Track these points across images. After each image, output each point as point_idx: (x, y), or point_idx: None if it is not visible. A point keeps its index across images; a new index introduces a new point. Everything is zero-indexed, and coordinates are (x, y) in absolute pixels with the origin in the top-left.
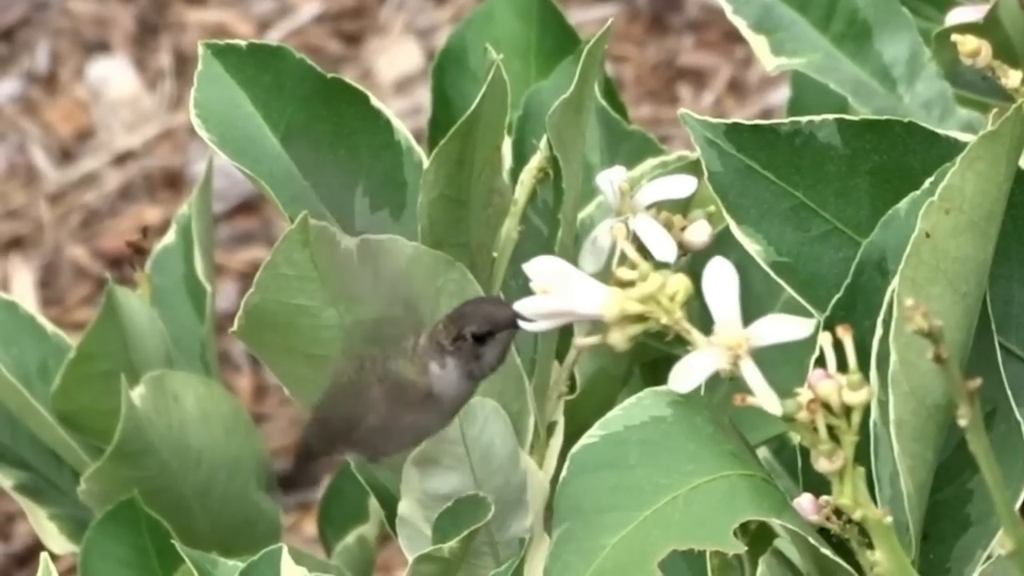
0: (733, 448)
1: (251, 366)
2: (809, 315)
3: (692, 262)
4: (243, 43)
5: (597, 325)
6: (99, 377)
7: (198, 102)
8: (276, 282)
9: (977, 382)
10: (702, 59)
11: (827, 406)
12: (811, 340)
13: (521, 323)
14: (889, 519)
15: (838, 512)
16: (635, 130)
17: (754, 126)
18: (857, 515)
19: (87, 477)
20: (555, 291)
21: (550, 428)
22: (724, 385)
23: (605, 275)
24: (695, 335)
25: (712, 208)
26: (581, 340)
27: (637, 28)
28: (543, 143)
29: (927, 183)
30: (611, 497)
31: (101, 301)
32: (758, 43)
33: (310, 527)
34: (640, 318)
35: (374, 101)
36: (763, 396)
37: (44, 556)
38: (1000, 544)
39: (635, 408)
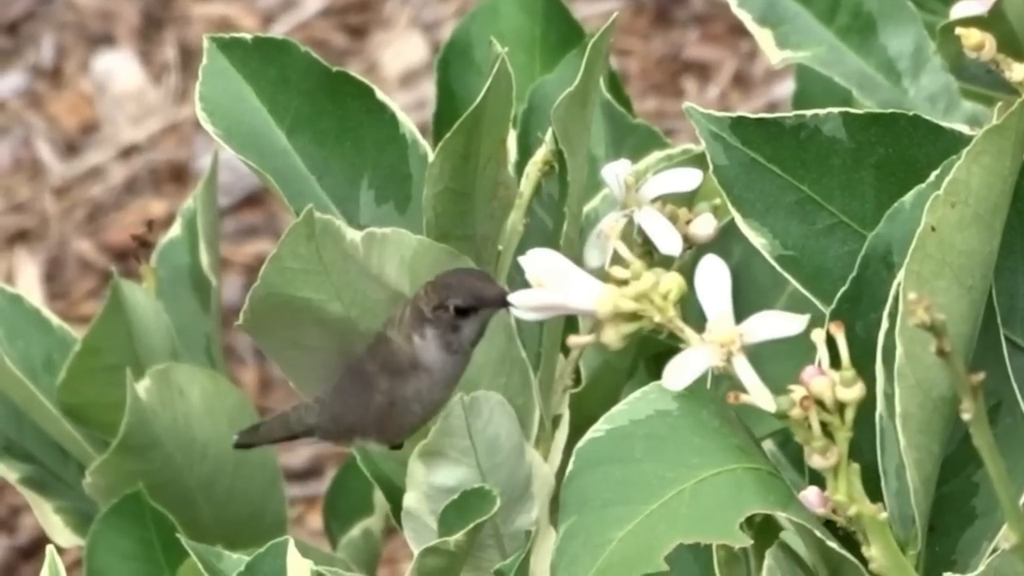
0: (739, 442)
1: (256, 359)
2: (815, 308)
3: (697, 256)
4: (248, 37)
5: (599, 320)
6: (104, 370)
7: (203, 96)
8: (281, 275)
9: (980, 376)
10: (707, 52)
11: (821, 403)
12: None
13: (512, 303)
14: (884, 515)
15: None
16: (640, 123)
17: (759, 119)
18: (852, 511)
19: (92, 470)
20: (549, 285)
21: (555, 421)
22: (729, 379)
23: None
24: (688, 333)
25: (717, 201)
26: (574, 339)
27: (642, 21)
28: (548, 136)
29: (932, 176)
30: (617, 491)
31: (106, 294)
32: (763, 36)
33: (315, 520)
34: (634, 316)
35: (379, 94)
36: (756, 393)
37: (50, 549)
38: (1004, 538)
39: (641, 402)
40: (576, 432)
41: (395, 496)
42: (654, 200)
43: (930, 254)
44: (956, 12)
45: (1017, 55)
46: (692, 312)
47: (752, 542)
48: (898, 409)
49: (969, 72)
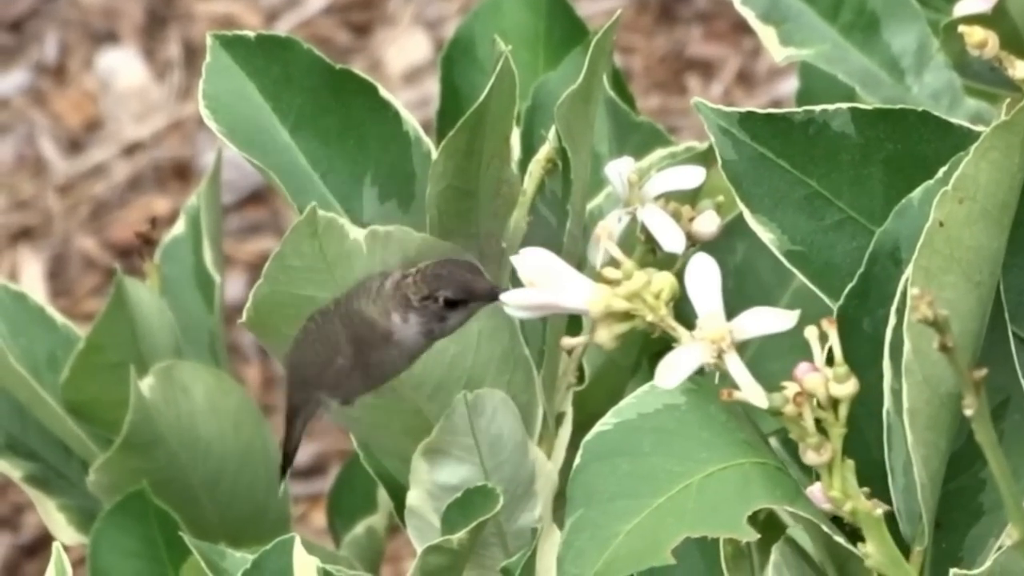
0: (746, 436)
1: (260, 357)
2: (820, 305)
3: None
4: (251, 34)
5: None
6: (108, 368)
7: (207, 93)
8: (285, 273)
9: (983, 372)
10: (711, 50)
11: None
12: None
13: (502, 296)
14: (879, 511)
15: None
16: (644, 121)
17: (768, 114)
18: (847, 507)
19: (96, 468)
20: (542, 284)
21: (559, 419)
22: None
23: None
24: (680, 331)
25: (721, 198)
26: (568, 340)
27: (646, 19)
28: (552, 134)
29: (941, 172)
30: (625, 484)
31: (110, 292)
32: (766, 34)
33: (319, 518)
34: (626, 315)
35: (383, 92)
36: (748, 390)
37: (56, 546)
38: (1008, 534)
39: (649, 396)
40: (579, 429)
41: (398, 494)
42: (657, 198)
43: (938, 250)
44: (959, 10)
45: (1020, 52)
46: (692, 312)
47: (759, 537)
48: (905, 405)
49: (972, 69)
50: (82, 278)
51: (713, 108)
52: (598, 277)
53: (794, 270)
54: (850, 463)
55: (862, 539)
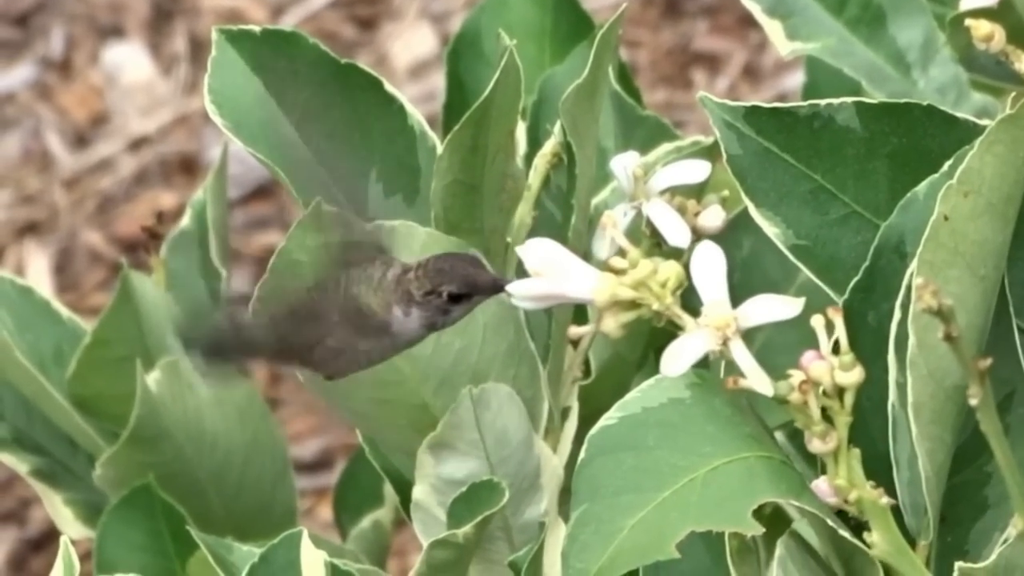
0: (751, 430)
1: None
2: (825, 300)
3: None
4: (257, 29)
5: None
6: (114, 362)
7: (212, 88)
8: (290, 268)
9: (988, 361)
10: (716, 44)
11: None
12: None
13: (504, 290)
14: (885, 500)
15: None
16: (649, 115)
17: (773, 109)
18: (852, 496)
19: (102, 462)
20: (547, 274)
21: (564, 413)
22: (739, 369)
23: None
24: (686, 319)
25: (726, 193)
26: (575, 329)
27: (651, 13)
28: (557, 128)
29: (946, 166)
30: (629, 479)
31: (116, 286)
32: (772, 28)
33: (325, 512)
34: (632, 304)
35: (388, 87)
36: (754, 377)
37: (64, 540)
38: (1013, 524)
39: (654, 390)
40: (585, 424)
41: (404, 488)
42: (663, 192)
43: (943, 243)
44: (965, 4)
45: None
46: (698, 305)
47: (764, 531)
48: (910, 399)
49: (978, 64)
50: (88, 272)
51: (718, 102)
52: (604, 269)
53: (799, 264)
54: (856, 452)
55: (866, 532)
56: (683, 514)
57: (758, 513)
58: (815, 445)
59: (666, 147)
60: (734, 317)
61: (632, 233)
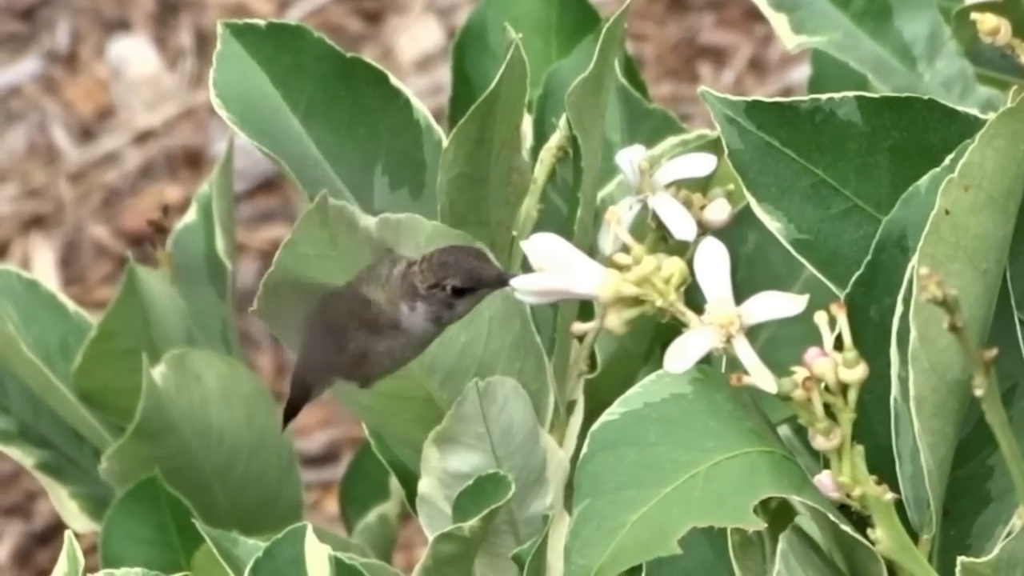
0: (753, 425)
1: (272, 344)
2: (829, 295)
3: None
4: (262, 22)
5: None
6: (120, 355)
7: (217, 82)
8: (296, 261)
9: (993, 351)
10: (722, 37)
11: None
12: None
13: (509, 283)
14: (889, 496)
15: None
16: (655, 108)
17: (774, 103)
18: (856, 492)
19: (108, 455)
20: (552, 269)
21: (570, 407)
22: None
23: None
24: (690, 316)
25: (732, 187)
26: (579, 325)
27: (657, 6)
28: (563, 122)
29: (947, 160)
30: (631, 474)
31: (122, 280)
32: (778, 21)
33: (331, 506)
34: (636, 301)
35: (393, 80)
36: (757, 374)
37: (68, 534)
38: (1018, 515)
39: (655, 385)
40: (591, 417)
41: (410, 482)
42: (668, 185)
43: (944, 237)
44: None
45: None
46: (703, 301)
47: (766, 526)
48: (912, 392)
49: (984, 57)
50: (94, 266)
51: (719, 97)
52: (609, 264)
53: (801, 259)
54: (859, 448)
55: (869, 528)
56: (685, 510)
57: (764, 507)
58: (819, 442)
59: (672, 140)
60: (738, 315)
61: (638, 227)
